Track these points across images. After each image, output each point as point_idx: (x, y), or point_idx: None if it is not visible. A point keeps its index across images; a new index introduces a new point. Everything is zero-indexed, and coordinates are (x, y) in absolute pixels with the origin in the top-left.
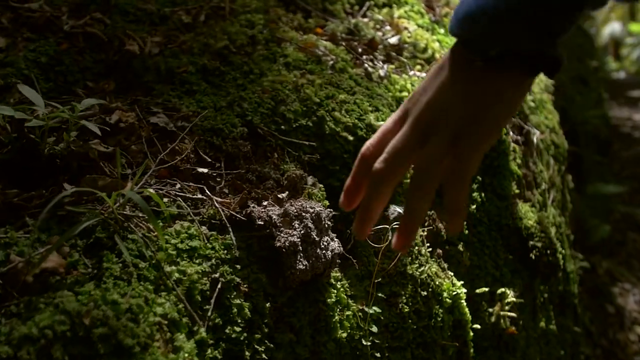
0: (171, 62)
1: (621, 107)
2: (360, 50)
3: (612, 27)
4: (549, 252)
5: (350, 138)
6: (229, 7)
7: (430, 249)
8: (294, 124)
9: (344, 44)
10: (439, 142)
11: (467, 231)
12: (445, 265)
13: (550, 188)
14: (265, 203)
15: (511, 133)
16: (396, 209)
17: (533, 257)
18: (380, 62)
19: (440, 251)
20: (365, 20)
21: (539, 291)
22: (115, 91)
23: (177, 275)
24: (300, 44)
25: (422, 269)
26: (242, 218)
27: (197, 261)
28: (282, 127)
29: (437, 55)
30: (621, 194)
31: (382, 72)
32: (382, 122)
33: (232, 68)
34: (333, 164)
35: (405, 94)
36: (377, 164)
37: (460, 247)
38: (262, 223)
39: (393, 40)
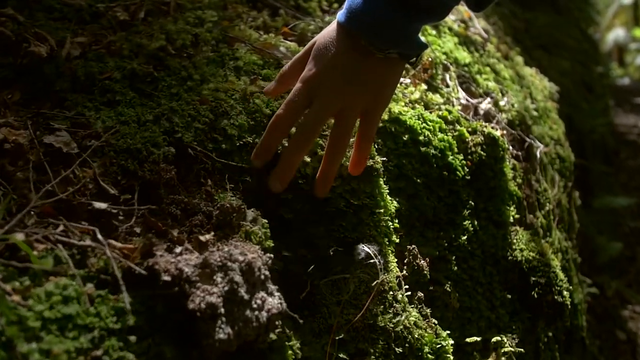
0: (93, 66)
1: (627, 114)
2: None
3: (616, 33)
4: (554, 289)
5: (308, 159)
6: (174, 2)
7: (409, 292)
8: (238, 142)
9: None
10: (352, 113)
11: (455, 267)
12: (429, 311)
13: (555, 208)
14: (178, 250)
15: (510, 148)
16: (364, 249)
17: (535, 295)
18: None
19: (422, 294)
20: None
21: (542, 333)
22: (21, 103)
23: (37, 356)
24: (257, 45)
25: (397, 319)
26: (142, 272)
27: (71, 334)
28: (222, 145)
29: (423, 58)
30: (630, 207)
31: None
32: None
33: (168, 73)
34: (285, 191)
35: None
36: (300, 133)
37: (448, 287)
38: (169, 279)
39: None
